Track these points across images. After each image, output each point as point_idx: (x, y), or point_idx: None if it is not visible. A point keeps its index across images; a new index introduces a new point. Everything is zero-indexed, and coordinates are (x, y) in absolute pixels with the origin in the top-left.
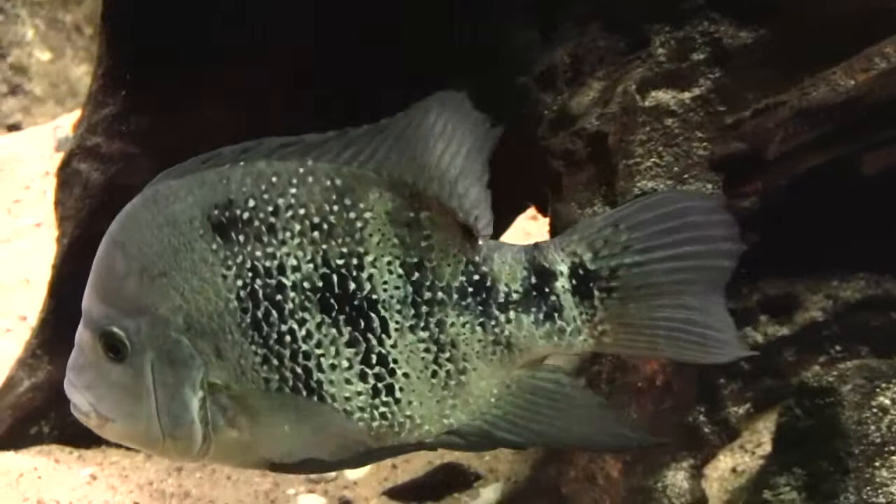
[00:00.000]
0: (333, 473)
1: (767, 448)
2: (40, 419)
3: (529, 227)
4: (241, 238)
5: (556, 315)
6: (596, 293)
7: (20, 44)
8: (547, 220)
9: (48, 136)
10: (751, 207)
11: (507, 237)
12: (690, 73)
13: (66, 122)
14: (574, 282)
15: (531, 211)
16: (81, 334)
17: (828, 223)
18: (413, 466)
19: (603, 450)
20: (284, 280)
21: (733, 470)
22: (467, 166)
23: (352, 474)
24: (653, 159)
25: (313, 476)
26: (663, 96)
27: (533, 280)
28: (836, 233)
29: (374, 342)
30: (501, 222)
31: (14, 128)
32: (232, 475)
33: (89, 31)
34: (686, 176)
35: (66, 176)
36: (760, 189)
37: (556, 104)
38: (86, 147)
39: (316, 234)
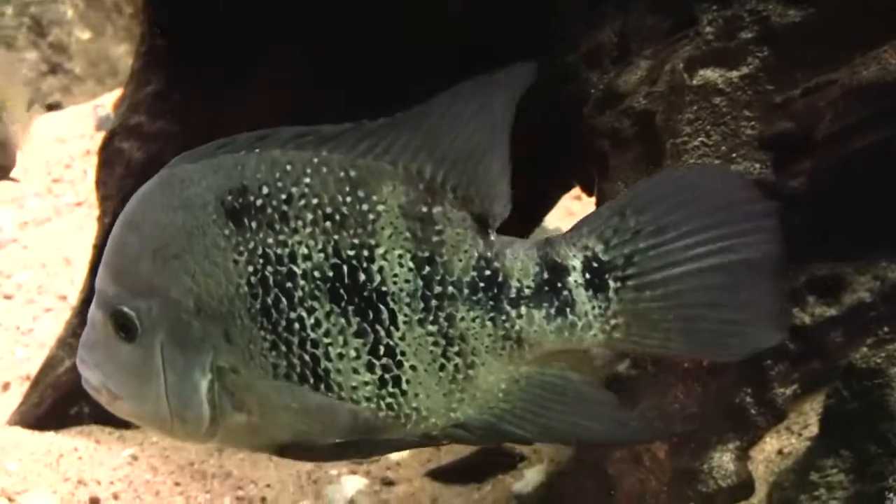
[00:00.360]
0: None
1: (814, 430)
2: (80, 399)
3: (574, 207)
4: (254, 224)
5: (567, 310)
6: (611, 284)
7: (60, 23)
8: (590, 200)
9: (89, 115)
10: (799, 187)
11: (550, 217)
12: (738, 51)
13: (106, 102)
14: (587, 275)
15: (575, 190)
16: (94, 312)
17: (877, 203)
18: (456, 448)
19: (612, 446)
20: (295, 268)
21: (779, 452)
22: (488, 152)
23: (394, 455)
24: (700, 138)
25: None
26: (711, 75)
27: (545, 276)
28: (885, 213)
29: (383, 334)
30: (547, 202)
31: (54, 107)
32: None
33: (129, 10)
34: (734, 155)
35: (108, 155)
36: (809, 169)
37: (603, 83)
38: (128, 126)
39: (328, 224)
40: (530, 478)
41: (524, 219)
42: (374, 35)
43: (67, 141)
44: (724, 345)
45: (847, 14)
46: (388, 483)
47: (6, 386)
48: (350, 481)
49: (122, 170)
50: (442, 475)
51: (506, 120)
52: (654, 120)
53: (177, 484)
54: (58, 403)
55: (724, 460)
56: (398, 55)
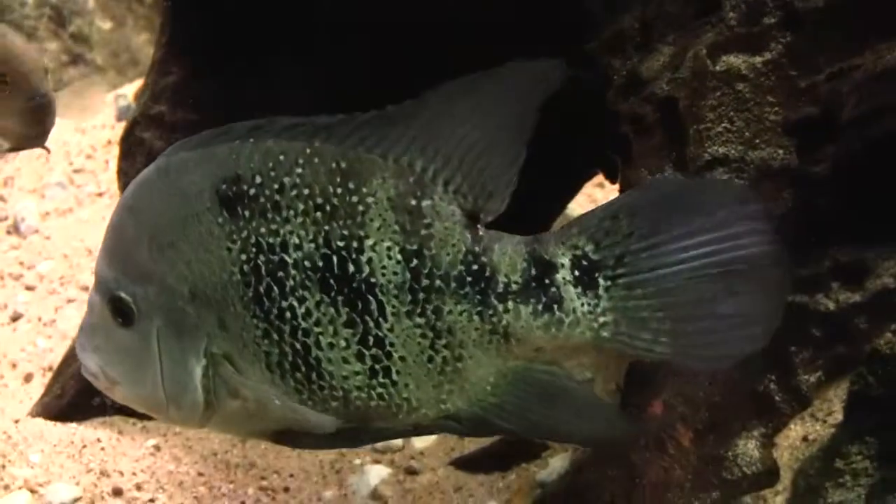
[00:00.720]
0: (400, 443)
1: (839, 416)
2: None
3: (596, 194)
4: (247, 213)
5: (555, 306)
6: (601, 282)
7: (81, 13)
8: (613, 188)
9: (109, 105)
10: (823, 173)
11: (573, 204)
12: (762, 37)
13: (127, 92)
14: (577, 273)
15: (598, 178)
16: (92, 297)
17: None
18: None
19: (598, 444)
20: (286, 257)
21: (804, 438)
22: (484, 150)
23: (418, 444)
24: (724, 124)
25: (379, 446)
26: (734, 61)
27: (533, 272)
28: None
29: (372, 324)
30: (570, 189)
31: None
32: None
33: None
34: (757, 141)
35: (130, 145)
36: (833, 154)
37: (626, 69)
38: (149, 115)
39: (318, 214)
40: (554, 466)
41: (548, 206)
42: (394, 24)
43: (88, 131)
44: (710, 349)
45: None
46: (412, 472)
47: (28, 377)
48: (374, 470)
49: (143, 159)
50: (466, 464)
51: (521, 119)
52: (677, 106)
53: (200, 474)
54: (80, 394)
55: (748, 447)
56: (418, 43)
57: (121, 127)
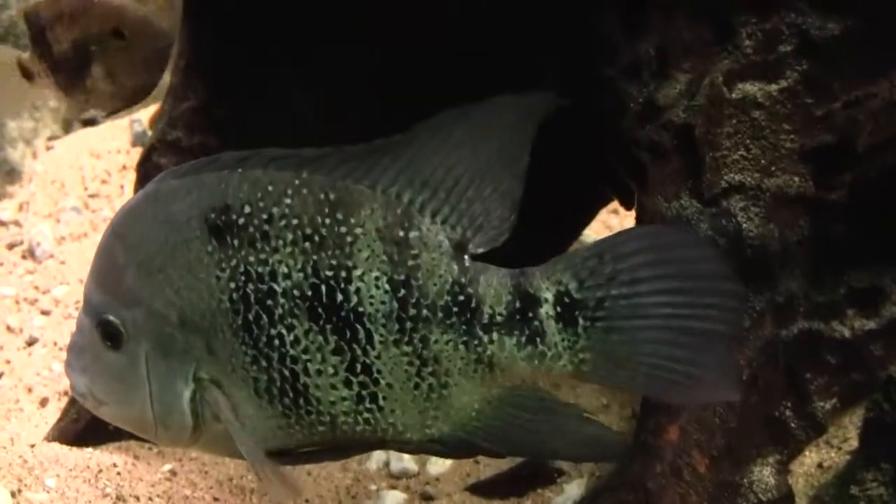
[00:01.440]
0: (416, 468)
1: (854, 443)
2: None
3: (611, 221)
4: (236, 242)
5: (537, 339)
6: (580, 321)
7: None
8: (627, 214)
9: (125, 130)
10: (839, 200)
11: (588, 230)
12: (777, 65)
13: (142, 117)
14: (559, 309)
15: (613, 205)
16: (81, 319)
17: None
18: (496, 462)
19: (584, 460)
20: (275, 286)
21: (819, 465)
22: (474, 181)
23: (433, 470)
24: (740, 152)
25: (395, 471)
26: (750, 88)
27: (517, 304)
28: None
29: (359, 352)
30: (585, 215)
31: (90, 122)
32: (312, 471)
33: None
34: (773, 168)
35: (146, 170)
36: (849, 181)
37: (642, 96)
38: (166, 141)
39: (307, 244)
40: (570, 492)
41: (563, 232)
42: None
43: (103, 156)
44: (682, 393)
45: (886, 27)
46: (428, 498)
47: (44, 401)
48: (390, 496)
49: None
50: (482, 489)
51: (515, 150)
52: (693, 133)
53: (215, 499)
54: (96, 419)
55: (764, 474)
56: (431, 72)
57: (136, 152)
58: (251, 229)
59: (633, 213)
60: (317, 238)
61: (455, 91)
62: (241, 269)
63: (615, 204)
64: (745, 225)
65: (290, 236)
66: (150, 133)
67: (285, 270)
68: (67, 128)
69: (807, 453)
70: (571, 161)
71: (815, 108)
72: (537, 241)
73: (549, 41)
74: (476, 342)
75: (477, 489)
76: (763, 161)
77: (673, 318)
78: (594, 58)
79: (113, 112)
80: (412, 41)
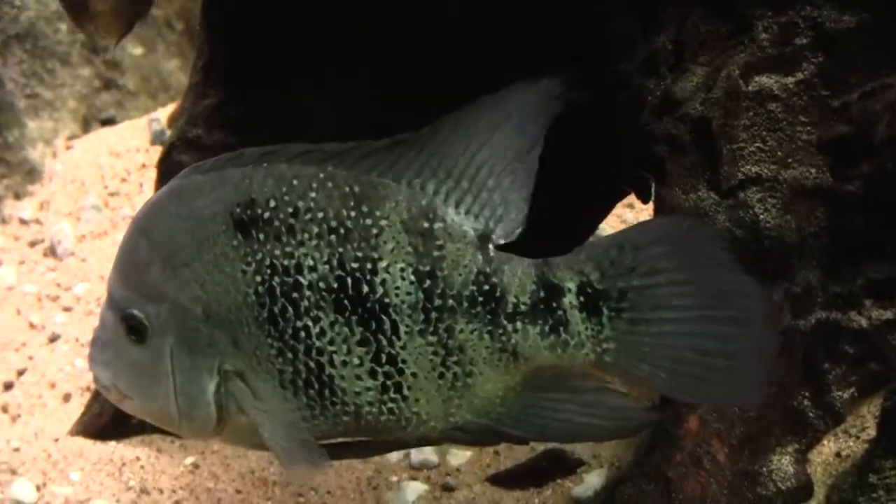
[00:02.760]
0: (436, 459)
1: (872, 432)
2: None
3: (626, 215)
4: (262, 236)
5: (561, 329)
6: (605, 311)
7: None
8: (643, 209)
9: (143, 129)
10: (856, 191)
11: (604, 224)
12: (794, 57)
13: (159, 116)
14: (582, 299)
15: (628, 198)
16: (105, 313)
17: None
18: (516, 453)
19: (608, 437)
20: (301, 279)
21: (837, 454)
22: (495, 171)
23: (454, 461)
24: (756, 144)
25: (415, 462)
26: (767, 81)
27: (541, 294)
28: None
29: (385, 343)
30: (601, 209)
31: (108, 122)
32: (333, 462)
33: (180, 26)
34: (790, 160)
35: (167, 167)
36: (866, 173)
37: (660, 90)
38: (186, 138)
39: (333, 237)
40: (590, 482)
41: (579, 226)
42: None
43: (123, 155)
44: (704, 390)
45: None
46: (449, 489)
47: (67, 397)
48: (410, 487)
49: None
50: (502, 480)
51: (529, 142)
52: (710, 126)
53: (238, 492)
54: (120, 413)
55: (783, 463)
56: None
57: (155, 151)
58: (276, 223)
59: (648, 207)
60: (342, 231)
61: (469, 90)
62: (267, 262)
63: (630, 198)
64: (762, 216)
65: (315, 229)
66: (168, 132)
67: (311, 263)
68: (86, 127)
69: (825, 443)
70: (588, 156)
71: (832, 100)
72: (554, 235)
73: (564, 37)
74: (500, 331)
75: (497, 480)
76: (780, 153)
77: (698, 309)
78: (610, 52)
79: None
80: (428, 41)
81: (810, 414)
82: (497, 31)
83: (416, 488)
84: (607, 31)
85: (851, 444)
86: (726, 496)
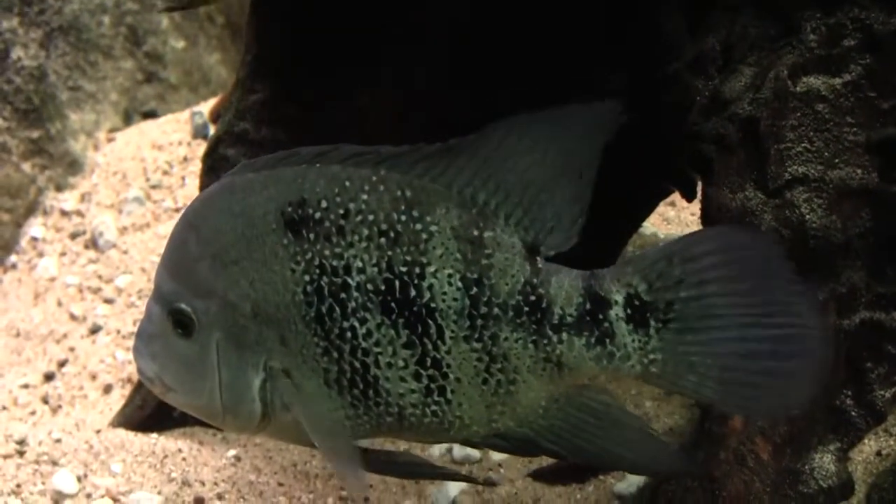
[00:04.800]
0: (478, 454)
1: None
2: None
3: (668, 213)
4: (312, 236)
5: (607, 340)
6: (652, 323)
7: (155, 32)
8: (684, 206)
9: (185, 122)
10: None
11: (646, 223)
12: (841, 59)
13: (203, 110)
14: (629, 311)
15: (670, 197)
16: (151, 306)
17: None
18: None
19: (641, 472)
20: (349, 280)
21: (878, 453)
22: (547, 185)
23: (496, 456)
24: (804, 144)
25: (457, 457)
26: (814, 82)
27: (588, 306)
28: None
29: (430, 347)
30: (645, 207)
31: (150, 115)
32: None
33: (221, 20)
34: (836, 160)
35: (213, 161)
36: None
37: (708, 90)
38: (233, 133)
39: (382, 240)
40: (633, 479)
41: (624, 224)
42: (478, 52)
43: (165, 148)
44: (752, 402)
45: None
46: (491, 484)
47: (108, 388)
48: (453, 482)
49: None
50: (544, 476)
51: (586, 159)
52: (758, 126)
53: (280, 484)
54: (162, 405)
55: (824, 461)
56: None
57: (197, 144)
58: (327, 224)
59: (689, 206)
60: (392, 234)
61: (520, 91)
62: (316, 262)
63: (673, 196)
64: (808, 216)
65: (365, 232)
66: (210, 126)
67: (360, 265)
68: (128, 120)
69: (866, 441)
70: (633, 154)
71: (879, 102)
72: (598, 232)
73: (614, 38)
74: (545, 341)
75: (539, 476)
76: (826, 153)
77: (747, 318)
78: (659, 53)
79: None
80: (479, 41)
81: (852, 413)
82: (550, 32)
83: (458, 483)
84: (657, 31)
85: (892, 443)
86: (769, 494)
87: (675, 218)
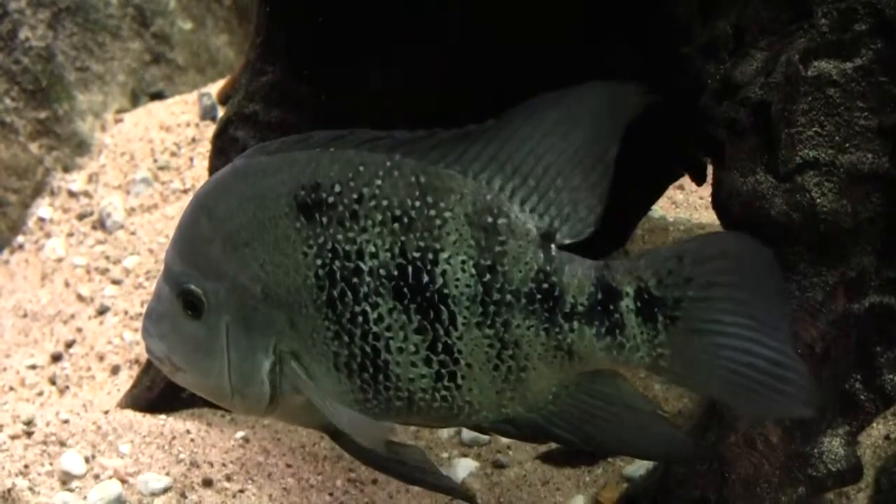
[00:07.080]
0: (487, 437)
1: None
2: None
3: (677, 197)
4: (325, 220)
5: (617, 331)
6: (660, 318)
7: (163, 13)
8: (693, 190)
9: (193, 103)
10: None
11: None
12: (853, 43)
13: (210, 91)
14: (639, 304)
15: (680, 180)
16: (161, 286)
17: None
18: None
19: (652, 458)
20: (362, 265)
21: (887, 437)
22: (564, 171)
23: (505, 439)
24: (814, 128)
25: (466, 439)
26: (826, 66)
27: (599, 296)
28: None
29: (442, 332)
30: (654, 191)
31: (157, 96)
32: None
33: (228, 1)
34: (847, 145)
35: (223, 143)
36: None
37: (720, 74)
38: (243, 114)
39: (396, 225)
40: (641, 461)
41: (633, 207)
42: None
43: (173, 129)
44: (756, 403)
45: None
46: (500, 466)
47: (115, 369)
48: (462, 464)
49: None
50: (553, 458)
51: (605, 143)
52: (769, 110)
53: (289, 466)
54: (170, 386)
55: (833, 445)
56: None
57: (205, 126)
58: (340, 208)
59: (697, 189)
60: (406, 220)
61: (533, 75)
62: (329, 246)
63: (682, 179)
64: (818, 200)
65: (379, 217)
66: (218, 107)
67: (372, 250)
68: (135, 101)
69: (875, 425)
70: (643, 138)
71: (890, 87)
72: (609, 214)
73: (624, 21)
74: (557, 329)
75: (548, 458)
76: (837, 138)
77: (747, 327)
78: (671, 37)
79: None
80: (491, 25)
81: (861, 396)
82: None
83: (467, 465)
84: (669, 14)
85: None
86: (778, 477)
87: (684, 201)
